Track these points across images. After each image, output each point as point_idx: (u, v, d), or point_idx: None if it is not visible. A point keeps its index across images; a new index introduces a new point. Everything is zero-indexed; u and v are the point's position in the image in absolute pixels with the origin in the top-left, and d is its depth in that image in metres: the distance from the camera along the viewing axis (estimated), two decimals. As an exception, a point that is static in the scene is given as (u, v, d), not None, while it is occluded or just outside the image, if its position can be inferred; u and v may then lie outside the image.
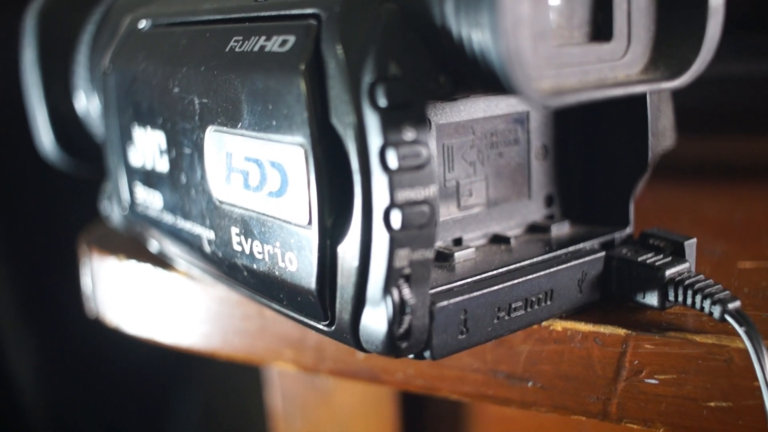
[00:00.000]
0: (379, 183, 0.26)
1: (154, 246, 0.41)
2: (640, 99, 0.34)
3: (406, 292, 0.27)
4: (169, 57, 0.35)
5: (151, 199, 0.38)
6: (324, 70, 0.27)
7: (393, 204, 0.26)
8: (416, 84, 0.27)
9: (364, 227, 0.27)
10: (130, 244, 0.45)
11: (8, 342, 0.80)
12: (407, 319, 0.27)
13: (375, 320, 0.28)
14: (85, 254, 0.47)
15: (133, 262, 0.44)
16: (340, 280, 0.28)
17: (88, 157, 0.49)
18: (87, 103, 0.47)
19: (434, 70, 0.27)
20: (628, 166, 0.35)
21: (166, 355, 0.54)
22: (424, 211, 0.27)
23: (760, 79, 0.50)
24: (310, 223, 0.28)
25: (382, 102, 0.26)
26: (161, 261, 0.42)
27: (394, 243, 0.26)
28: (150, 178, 0.38)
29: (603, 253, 0.34)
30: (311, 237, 0.28)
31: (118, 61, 0.39)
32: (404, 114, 0.26)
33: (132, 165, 0.39)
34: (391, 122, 0.26)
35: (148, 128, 0.37)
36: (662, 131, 0.38)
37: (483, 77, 0.25)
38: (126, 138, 0.39)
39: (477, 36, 0.25)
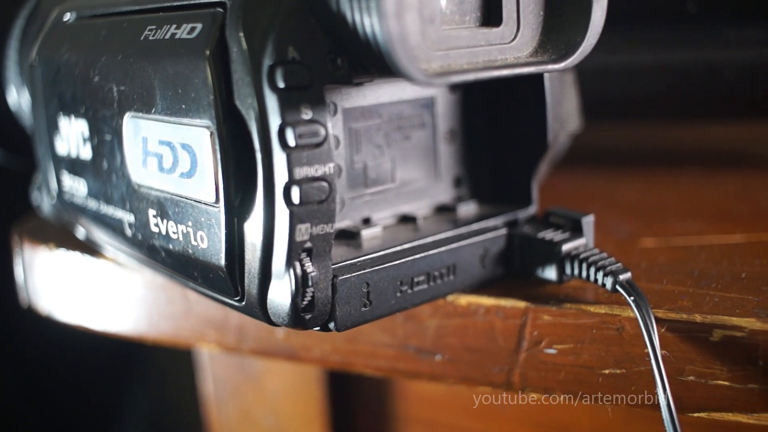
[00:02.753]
0: (279, 161, 0.28)
1: (81, 233, 0.42)
2: (538, 83, 0.36)
3: (308, 265, 0.29)
4: (90, 47, 0.36)
5: (76, 187, 0.40)
6: (228, 55, 0.29)
7: (292, 180, 0.28)
8: (314, 66, 0.28)
9: (266, 204, 0.28)
10: (61, 233, 0.46)
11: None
12: (310, 291, 0.29)
13: (280, 293, 0.29)
14: (17, 245, 0.48)
15: (62, 251, 0.45)
16: (247, 255, 0.30)
17: (21, 150, 0.50)
18: (18, 97, 0.48)
19: (332, 53, 0.29)
20: (530, 147, 0.37)
21: (107, 344, 0.55)
22: (323, 186, 0.28)
23: (675, 68, 0.52)
24: (217, 201, 0.30)
25: (281, 83, 0.27)
26: (89, 248, 0.43)
27: (294, 218, 0.28)
28: (75, 166, 0.39)
29: (505, 231, 0.35)
30: (219, 215, 0.30)
31: (43, 53, 0.40)
32: (302, 95, 0.28)
33: (58, 154, 0.41)
34: (289, 103, 0.27)
35: (72, 117, 0.38)
36: (565, 115, 0.40)
37: (375, 60, 0.27)
38: (52, 128, 0.40)
39: (366, 20, 0.26)
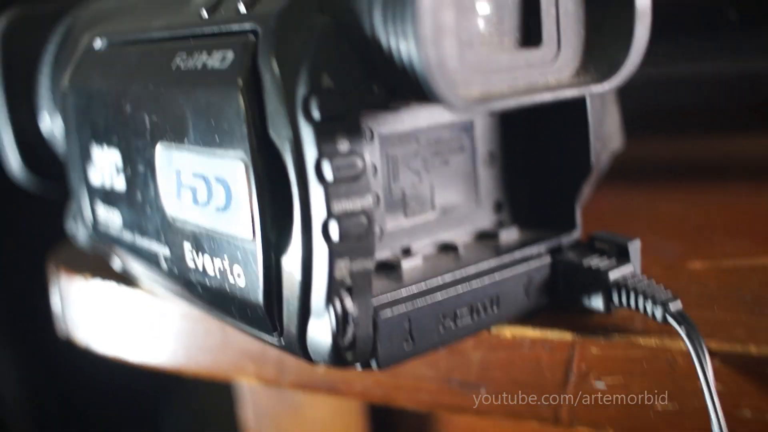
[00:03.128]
0: (316, 195, 0.27)
1: (117, 264, 0.42)
2: (580, 103, 0.34)
3: (349, 302, 0.28)
4: (121, 75, 0.36)
5: (111, 218, 0.39)
6: (261, 85, 0.28)
7: (330, 215, 0.27)
8: (350, 95, 0.27)
9: (304, 239, 0.27)
10: (96, 262, 0.45)
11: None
12: (351, 329, 0.28)
13: (320, 331, 0.28)
14: (53, 274, 0.47)
15: (98, 281, 0.44)
16: (286, 292, 0.29)
17: (55, 177, 0.49)
18: (51, 123, 0.48)
19: (368, 80, 0.28)
20: (572, 169, 0.36)
21: (146, 375, 0.55)
22: (362, 221, 0.27)
23: (717, 78, 0.51)
24: (254, 236, 0.29)
25: (316, 114, 0.26)
26: (125, 279, 0.43)
27: (334, 254, 0.27)
28: (109, 197, 0.39)
29: (549, 258, 0.34)
30: (256, 251, 0.29)
31: (75, 80, 0.40)
32: (338, 125, 0.27)
33: (92, 184, 0.40)
34: (325, 134, 0.26)
35: (105, 146, 0.37)
36: (607, 134, 0.39)
37: (413, 86, 0.26)
38: (86, 157, 0.40)
39: (403, 46, 0.25)
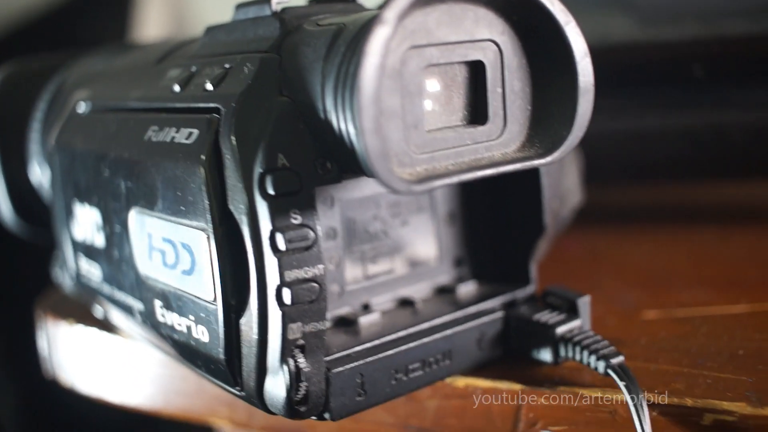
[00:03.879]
0: (271, 264, 0.29)
1: (99, 312, 0.44)
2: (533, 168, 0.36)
3: (302, 361, 0.30)
4: (101, 141, 0.38)
5: (92, 271, 0.41)
6: (222, 161, 0.30)
7: (283, 283, 0.29)
8: (303, 172, 0.29)
9: (260, 304, 0.30)
10: (81, 309, 0.47)
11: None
12: (304, 385, 0.30)
13: (276, 387, 0.30)
14: (41, 319, 0.50)
15: (81, 327, 0.46)
16: (244, 350, 0.31)
17: (44, 224, 0.51)
18: (41, 174, 0.50)
19: (321, 157, 0.30)
20: (527, 229, 0.38)
21: (131, 417, 0.56)
22: (313, 287, 0.29)
23: (683, 130, 0.53)
24: (215, 299, 0.31)
25: (271, 190, 0.29)
26: (107, 326, 0.45)
27: (286, 318, 0.29)
28: (90, 252, 0.41)
29: (502, 313, 0.36)
30: (217, 312, 0.31)
31: (61, 141, 0.42)
32: (292, 200, 0.29)
33: (75, 238, 0.42)
34: (279, 209, 0.29)
35: (87, 205, 0.40)
36: (565, 192, 0.41)
37: (360, 167, 0.28)
38: (69, 213, 0.42)
39: (350, 130, 0.28)
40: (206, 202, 0.30)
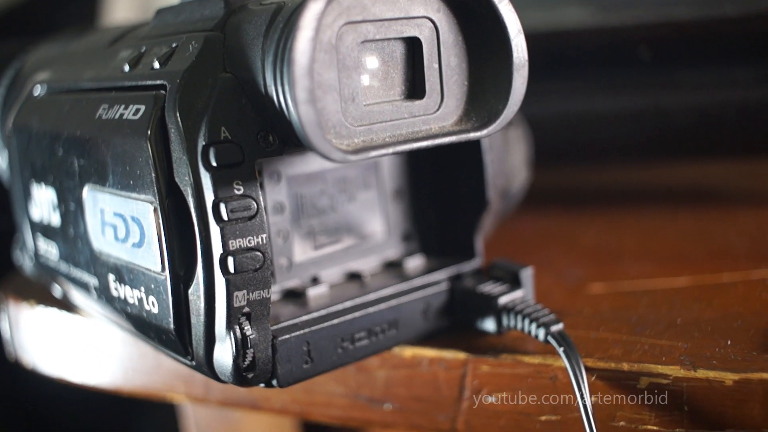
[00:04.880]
0: (215, 234, 0.30)
1: (58, 292, 0.45)
2: (475, 144, 0.38)
3: (247, 328, 0.31)
4: (55, 122, 0.39)
5: (50, 250, 0.42)
6: (168, 136, 0.31)
7: (227, 252, 0.30)
8: (246, 144, 0.30)
9: (205, 273, 0.31)
10: (41, 290, 0.48)
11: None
12: (250, 352, 0.31)
13: (223, 354, 0.31)
14: (2, 301, 0.50)
15: (41, 308, 0.47)
16: (193, 319, 0.32)
17: (3, 209, 0.52)
18: (0, 160, 0.51)
19: (263, 130, 0.31)
20: (471, 204, 0.39)
21: (101, 396, 0.57)
22: (257, 256, 0.30)
23: (630, 112, 0.54)
24: (163, 270, 0.32)
25: (214, 162, 0.30)
26: (66, 306, 0.46)
27: (231, 285, 0.30)
28: (47, 231, 0.42)
29: (447, 285, 0.37)
30: (166, 283, 0.32)
31: (18, 123, 0.43)
32: (234, 172, 0.30)
33: (33, 219, 0.43)
34: (221, 180, 0.30)
35: (43, 186, 0.41)
36: (510, 171, 0.42)
37: (299, 139, 0.29)
38: (27, 194, 0.43)
39: (288, 103, 0.29)
40: (153, 175, 0.31)
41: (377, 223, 0.39)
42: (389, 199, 0.39)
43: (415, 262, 0.39)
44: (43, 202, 0.41)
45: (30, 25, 0.97)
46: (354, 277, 0.38)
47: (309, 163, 0.36)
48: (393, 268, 0.39)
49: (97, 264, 0.37)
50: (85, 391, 0.49)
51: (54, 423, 0.91)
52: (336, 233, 0.38)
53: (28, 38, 0.55)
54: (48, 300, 0.47)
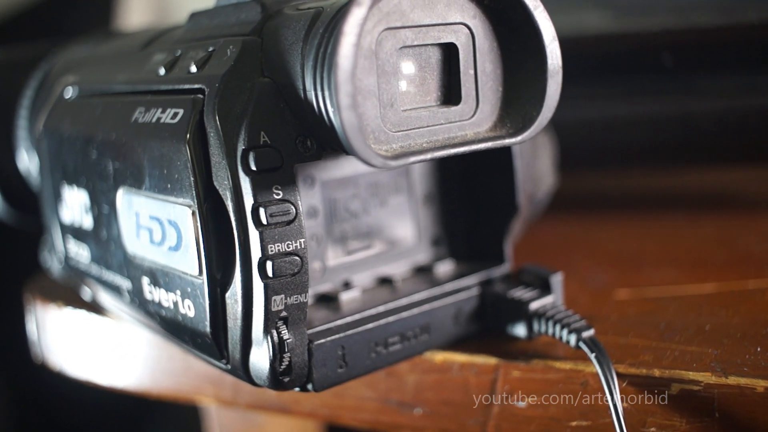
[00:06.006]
0: (254, 238, 0.30)
1: (87, 295, 0.45)
2: (507, 150, 0.38)
3: (285, 332, 0.31)
4: (88, 124, 0.39)
5: (81, 252, 0.42)
6: (207, 140, 0.31)
7: (266, 256, 0.30)
8: (284, 149, 0.31)
9: (243, 277, 0.31)
10: (69, 292, 0.48)
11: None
12: (287, 356, 0.31)
13: (260, 358, 0.32)
14: (29, 303, 0.51)
15: (69, 309, 0.47)
16: (230, 323, 0.32)
17: (31, 211, 0.52)
18: (28, 161, 0.51)
19: (302, 135, 0.31)
20: (501, 209, 0.39)
21: (121, 397, 0.58)
22: (295, 260, 0.31)
23: (653, 118, 0.55)
24: (200, 274, 0.32)
25: (253, 167, 0.30)
26: (95, 308, 0.46)
27: (269, 290, 0.30)
28: (78, 234, 0.42)
29: (478, 290, 0.38)
30: (203, 286, 0.32)
31: (48, 126, 0.43)
32: (273, 176, 0.30)
33: (63, 221, 0.43)
34: (261, 184, 0.30)
35: (75, 188, 0.41)
36: (538, 175, 0.42)
37: (339, 143, 0.29)
38: (58, 196, 0.43)
39: (328, 108, 0.29)
40: (191, 179, 0.31)
41: (408, 227, 0.39)
42: (419, 204, 0.40)
43: (445, 267, 0.39)
44: (74, 205, 0.41)
45: (44, 26, 0.97)
46: (385, 281, 0.38)
47: (342, 168, 0.37)
48: (423, 272, 0.39)
49: (130, 267, 0.37)
50: (104, 393, 0.49)
51: (75, 425, 0.92)
52: (367, 238, 0.38)
53: (52, 40, 0.55)
54: (76, 302, 0.47)
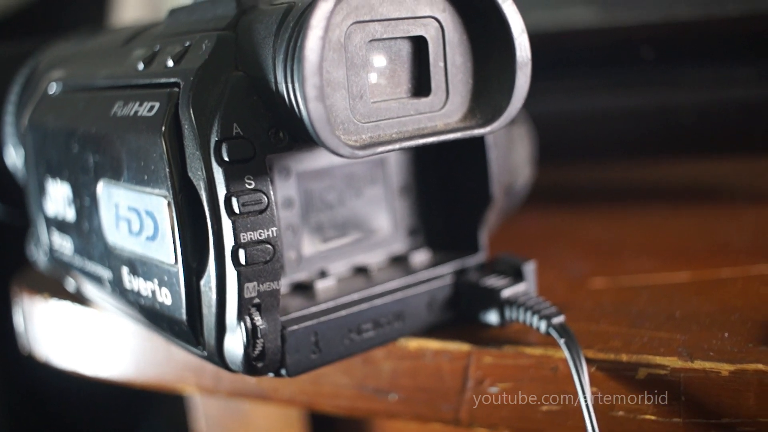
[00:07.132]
0: (227, 227, 0.31)
1: (72, 286, 0.46)
2: (479, 140, 0.39)
3: (258, 318, 0.32)
4: (70, 119, 0.40)
5: (64, 244, 0.43)
6: (181, 132, 0.32)
7: (238, 244, 0.31)
8: (257, 140, 0.31)
9: (217, 265, 0.32)
10: (55, 284, 0.49)
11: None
12: (260, 342, 0.32)
13: (234, 344, 0.32)
14: (17, 295, 0.51)
15: (55, 301, 0.48)
16: (205, 310, 0.33)
17: (19, 205, 0.53)
18: (15, 157, 0.52)
19: (274, 127, 0.32)
20: (475, 199, 0.40)
21: (111, 388, 0.58)
22: (267, 248, 0.31)
23: (633, 110, 0.55)
24: (176, 262, 0.33)
25: (226, 157, 0.31)
26: (79, 299, 0.47)
27: (242, 277, 0.31)
28: (62, 226, 0.43)
29: (452, 278, 0.38)
30: (178, 275, 0.33)
31: (33, 121, 0.44)
32: (246, 167, 0.31)
33: (48, 214, 0.44)
34: (233, 174, 0.31)
35: (58, 181, 0.42)
36: (513, 167, 0.43)
37: (310, 135, 0.30)
38: (42, 190, 0.44)
39: (298, 100, 0.30)
40: (167, 170, 0.32)
41: (384, 218, 0.40)
42: (396, 195, 0.40)
43: (420, 257, 0.40)
44: (58, 198, 0.42)
45: (39, 24, 0.98)
46: (361, 270, 0.39)
47: (318, 160, 0.37)
48: (399, 262, 0.40)
49: (111, 257, 0.38)
50: (95, 385, 0.50)
51: (64, 416, 0.93)
52: (343, 228, 0.39)
53: (40, 37, 0.56)
54: (61, 294, 0.48)
